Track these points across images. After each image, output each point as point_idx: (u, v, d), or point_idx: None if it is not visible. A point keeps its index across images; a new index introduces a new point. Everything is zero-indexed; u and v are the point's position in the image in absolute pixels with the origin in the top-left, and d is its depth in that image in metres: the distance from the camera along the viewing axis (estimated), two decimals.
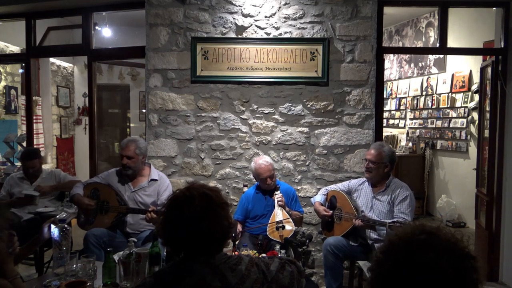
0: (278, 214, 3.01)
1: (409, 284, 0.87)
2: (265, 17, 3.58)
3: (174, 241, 1.35)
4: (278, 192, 3.09)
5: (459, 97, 5.72)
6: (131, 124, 7.62)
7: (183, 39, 3.62)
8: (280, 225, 2.97)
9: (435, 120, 6.16)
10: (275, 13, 3.57)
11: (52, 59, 6.54)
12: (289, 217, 3.02)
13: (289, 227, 3.00)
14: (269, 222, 3.02)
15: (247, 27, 3.59)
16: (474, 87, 5.32)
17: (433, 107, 6.18)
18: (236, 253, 2.18)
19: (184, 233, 1.31)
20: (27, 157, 3.65)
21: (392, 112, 7.32)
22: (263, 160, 3.20)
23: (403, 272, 0.88)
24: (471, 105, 5.40)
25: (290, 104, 3.61)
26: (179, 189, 1.42)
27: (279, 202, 3.04)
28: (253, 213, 3.22)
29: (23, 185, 3.63)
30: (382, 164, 2.99)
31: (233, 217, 3.30)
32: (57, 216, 2.27)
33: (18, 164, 4.74)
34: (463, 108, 5.62)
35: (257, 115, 3.64)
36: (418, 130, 6.54)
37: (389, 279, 0.90)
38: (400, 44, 6.80)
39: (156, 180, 3.19)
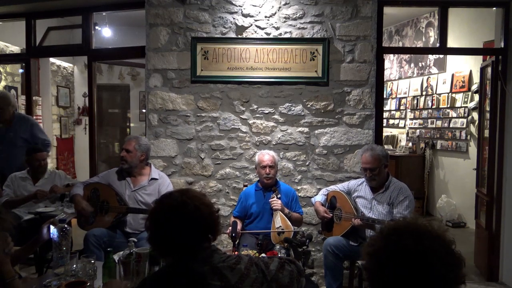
0: (277, 220, 3.01)
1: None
2: (265, 17, 3.58)
3: (163, 240, 1.37)
4: (274, 196, 3.09)
5: (459, 97, 5.72)
6: (131, 124, 7.62)
7: (183, 39, 3.62)
8: (281, 230, 2.97)
9: (435, 120, 6.16)
10: (275, 13, 3.57)
11: (52, 59, 6.53)
12: (287, 219, 3.03)
13: (289, 228, 3.01)
14: (271, 231, 3.02)
15: (247, 27, 3.59)
16: (474, 87, 5.31)
17: (433, 107, 6.18)
18: (236, 253, 2.18)
19: (169, 229, 1.33)
20: (35, 150, 3.64)
21: (392, 112, 7.32)
22: (268, 151, 3.31)
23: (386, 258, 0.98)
24: (471, 105, 5.40)
25: (290, 104, 3.61)
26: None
27: (274, 207, 3.05)
28: (251, 210, 3.23)
29: (26, 184, 3.62)
30: (382, 166, 2.99)
31: (232, 214, 3.32)
32: (57, 217, 2.26)
33: None
34: (463, 108, 5.62)
35: (257, 115, 3.64)
36: (418, 130, 6.54)
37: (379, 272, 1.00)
38: (400, 44, 6.80)
39: (156, 179, 3.19)
